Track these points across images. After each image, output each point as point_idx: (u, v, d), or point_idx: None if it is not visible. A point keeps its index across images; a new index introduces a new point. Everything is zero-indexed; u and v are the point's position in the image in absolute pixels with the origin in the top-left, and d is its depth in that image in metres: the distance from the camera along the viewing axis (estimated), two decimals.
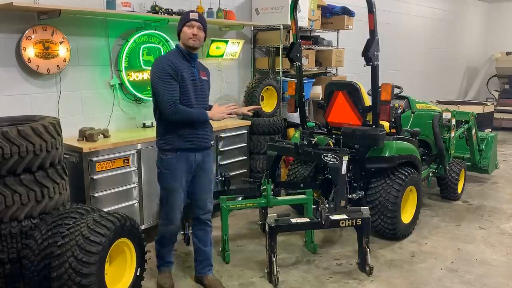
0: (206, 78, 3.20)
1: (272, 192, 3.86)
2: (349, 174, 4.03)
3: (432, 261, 3.82)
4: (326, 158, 3.79)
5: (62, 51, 3.79)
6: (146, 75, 4.40)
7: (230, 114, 3.15)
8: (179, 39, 3.09)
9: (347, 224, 3.41)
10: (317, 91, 5.87)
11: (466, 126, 5.50)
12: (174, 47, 3.16)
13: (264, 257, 3.58)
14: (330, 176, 4.04)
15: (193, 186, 3.22)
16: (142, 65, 4.38)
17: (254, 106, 3.46)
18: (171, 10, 4.34)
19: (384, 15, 7.89)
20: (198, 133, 3.08)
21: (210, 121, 3.18)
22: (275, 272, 3.29)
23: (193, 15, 3.01)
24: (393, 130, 4.45)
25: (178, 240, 3.82)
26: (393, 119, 4.33)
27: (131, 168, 3.86)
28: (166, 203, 3.17)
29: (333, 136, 4.35)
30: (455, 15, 11.28)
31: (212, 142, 3.26)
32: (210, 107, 3.22)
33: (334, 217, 3.38)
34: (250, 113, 3.37)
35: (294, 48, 4.36)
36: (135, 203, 3.96)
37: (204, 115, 3.06)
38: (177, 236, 3.35)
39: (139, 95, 4.41)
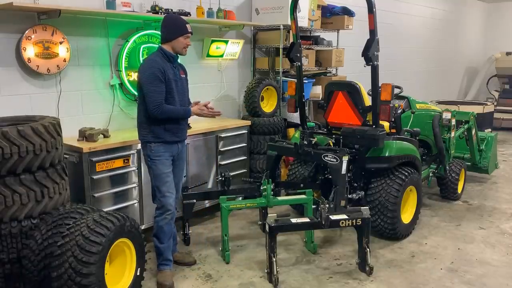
0: (184, 76, 3.52)
1: (272, 192, 3.86)
2: (349, 174, 4.03)
3: (432, 261, 3.82)
4: (326, 158, 3.79)
5: (62, 51, 3.79)
6: None
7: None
8: (167, 41, 3.30)
9: (347, 224, 3.41)
10: (317, 91, 5.87)
11: (466, 126, 5.50)
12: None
13: (264, 257, 3.59)
14: (330, 176, 4.05)
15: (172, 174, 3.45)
16: None
17: (218, 111, 3.55)
18: (171, 10, 4.34)
19: (384, 15, 7.89)
20: (181, 127, 3.40)
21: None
22: (275, 272, 3.29)
23: (190, 28, 3.33)
24: (393, 130, 4.45)
25: (178, 241, 3.83)
26: (393, 119, 4.33)
27: (131, 168, 3.86)
28: (159, 192, 3.33)
29: (333, 136, 4.36)
30: (455, 15, 11.28)
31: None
32: (189, 102, 3.56)
33: (334, 217, 3.38)
34: (218, 115, 3.59)
35: (294, 48, 4.36)
36: (135, 203, 3.96)
37: (188, 112, 3.36)
38: (173, 227, 3.41)
39: None
